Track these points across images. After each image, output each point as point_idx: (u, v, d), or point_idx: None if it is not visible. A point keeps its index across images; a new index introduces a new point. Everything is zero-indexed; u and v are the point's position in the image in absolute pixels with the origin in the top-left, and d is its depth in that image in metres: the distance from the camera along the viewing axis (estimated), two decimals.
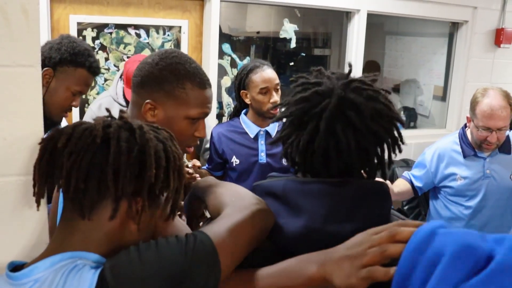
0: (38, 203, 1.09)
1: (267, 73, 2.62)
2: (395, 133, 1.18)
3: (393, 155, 1.19)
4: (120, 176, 0.99)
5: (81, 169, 0.99)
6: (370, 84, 1.18)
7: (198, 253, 1.00)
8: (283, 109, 1.23)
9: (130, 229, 1.05)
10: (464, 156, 2.79)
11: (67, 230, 1.03)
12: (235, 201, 1.15)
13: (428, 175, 2.89)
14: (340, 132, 1.11)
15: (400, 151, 1.20)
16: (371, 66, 5.03)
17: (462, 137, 2.82)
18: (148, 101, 1.46)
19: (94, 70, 2.16)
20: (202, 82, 1.49)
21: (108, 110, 1.16)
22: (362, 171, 1.20)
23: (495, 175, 2.77)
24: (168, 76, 1.46)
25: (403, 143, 1.19)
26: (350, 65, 1.24)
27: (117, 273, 0.94)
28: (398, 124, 1.19)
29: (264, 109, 2.62)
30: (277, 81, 2.63)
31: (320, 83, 1.17)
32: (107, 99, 2.90)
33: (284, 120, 1.23)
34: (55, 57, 2.09)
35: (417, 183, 2.93)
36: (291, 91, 1.23)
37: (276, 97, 2.60)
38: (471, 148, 2.78)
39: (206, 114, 1.52)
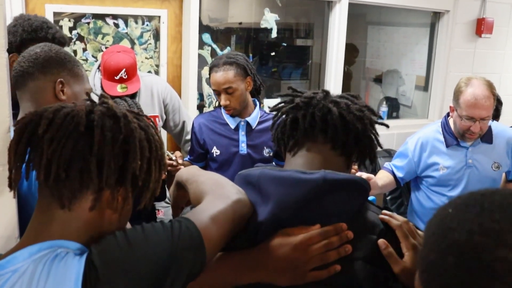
0: (11, 188, 1.05)
1: (215, 76, 2.59)
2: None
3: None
4: (104, 167, 0.98)
5: (63, 157, 0.96)
6: (342, 95, 1.33)
7: (184, 238, 1.01)
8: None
9: (110, 218, 1.04)
10: (447, 146, 2.78)
11: (44, 220, 1.00)
12: (215, 190, 1.17)
13: (410, 164, 2.88)
14: (335, 110, 1.24)
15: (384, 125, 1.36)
16: (350, 49, 5.01)
17: (445, 126, 2.82)
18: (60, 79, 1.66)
19: (59, 40, 2.08)
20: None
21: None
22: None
23: (477, 164, 2.77)
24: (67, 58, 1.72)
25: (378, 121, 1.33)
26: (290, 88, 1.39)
27: (106, 258, 0.93)
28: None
29: (223, 105, 2.64)
30: (226, 85, 2.56)
31: (311, 97, 1.30)
32: None
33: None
34: (15, 40, 2.03)
35: (399, 174, 2.92)
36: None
37: (224, 101, 2.58)
38: (454, 138, 2.77)
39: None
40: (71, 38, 3.23)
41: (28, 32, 2.03)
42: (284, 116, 1.31)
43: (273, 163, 2.74)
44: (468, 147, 2.77)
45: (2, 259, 0.96)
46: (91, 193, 1.00)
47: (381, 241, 1.12)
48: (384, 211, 1.20)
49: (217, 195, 1.15)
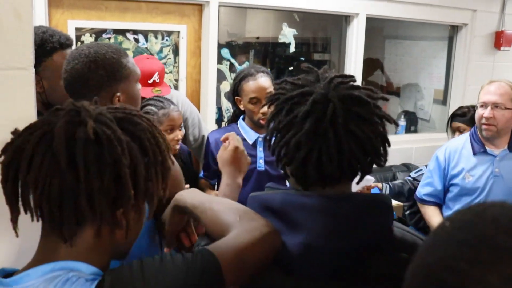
0: (13, 222, 0.98)
1: (257, 83, 2.53)
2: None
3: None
4: (95, 203, 0.92)
5: (52, 198, 0.91)
6: (348, 75, 1.16)
7: (203, 273, 0.97)
8: (285, 131, 1.13)
9: (118, 235, 1.00)
10: (474, 153, 2.77)
11: (54, 238, 0.97)
12: (244, 222, 1.10)
13: (444, 175, 2.87)
14: (357, 130, 1.06)
15: (396, 124, 1.19)
16: (371, 63, 5.01)
17: (473, 134, 2.81)
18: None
19: (67, 44, 2.07)
20: None
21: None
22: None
23: (503, 174, 2.72)
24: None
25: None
26: (309, 67, 1.19)
27: None
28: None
29: (255, 118, 2.56)
30: (270, 90, 2.50)
31: (309, 92, 1.10)
32: None
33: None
34: None
35: (438, 190, 2.90)
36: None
37: (266, 108, 2.43)
38: (481, 145, 2.76)
39: None
40: None
41: (36, 50, 2.03)
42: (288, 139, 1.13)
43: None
44: (495, 156, 2.74)
45: (17, 275, 0.96)
46: (90, 224, 0.96)
47: None
48: None
49: (246, 228, 1.08)
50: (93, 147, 0.91)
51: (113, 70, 1.62)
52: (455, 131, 3.57)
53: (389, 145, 1.14)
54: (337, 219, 1.08)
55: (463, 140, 2.87)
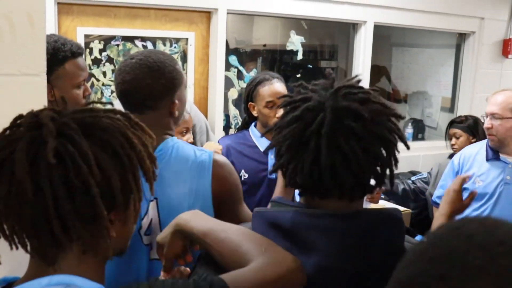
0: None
1: (275, 87, 2.56)
2: (396, 130, 1.11)
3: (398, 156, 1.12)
4: (69, 227, 0.87)
5: (25, 227, 0.87)
6: (359, 86, 1.11)
7: None
8: (276, 134, 1.13)
9: (111, 235, 0.94)
10: (487, 159, 2.77)
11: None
12: (269, 254, 1.02)
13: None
14: (344, 145, 1.02)
15: (407, 147, 1.15)
16: (377, 70, 5.02)
17: (488, 140, 2.82)
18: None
19: (79, 53, 2.08)
20: None
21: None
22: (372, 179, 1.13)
23: None
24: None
25: (404, 139, 1.13)
26: (330, 73, 1.18)
27: None
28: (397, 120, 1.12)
29: (270, 123, 2.54)
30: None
31: (308, 98, 1.09)
32: (119, 105, 2.90)
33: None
34: None
35: None
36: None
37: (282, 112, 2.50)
38: (495, 152, 2.76)
39: None
40: (100, 60, 3.30)
41: (48, 60, 2.02)
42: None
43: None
44: (508, 163, 2.73)
45: (16, 286, 0.93)
46: (72, 245, 0.91)
47: None
48: None
49: (270, 260, 1.01)
50: (57, 170, 0.85)
51: (172, 78, 1.58)
52: (451, 137, 3.72)
53: (391, 169, 1.10)
54: (349, 239, 1.05)
55: (479, 146, 2.88)
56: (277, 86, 2.57)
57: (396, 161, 1.11)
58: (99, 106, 1.03)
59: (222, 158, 1.65)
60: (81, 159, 0.86)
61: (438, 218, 1.98)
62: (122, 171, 0.91)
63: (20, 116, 0.93)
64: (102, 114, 0.94)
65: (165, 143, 1.55)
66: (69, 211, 0.86)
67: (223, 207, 1.57)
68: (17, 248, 0.89)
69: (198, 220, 1.16)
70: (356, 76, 1.17)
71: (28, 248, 0.89)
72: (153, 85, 1.54)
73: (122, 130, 0.94)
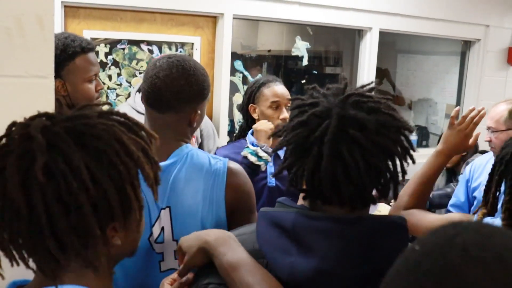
0: None
1: (279, 88, 2.57)
2: (405, 142, 1.09)
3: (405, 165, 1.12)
4: (65, 243, 0.84)
5: (22, 244, 0.85)
6: (369, 95, 1.09)
7: None
8: (282, 137, 1.13)
9: (115, 243, 0.93)
10: None
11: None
12: None
13: (467, 187, 2.88)
14: (346, 154, 1.00)
15: (413, 161, 1.12)
16: (378, 72, 5.02)
17: None
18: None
19: (89, 48, 2.09)
20: None
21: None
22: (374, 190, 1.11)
23: None
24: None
25: (414, 151, 1.11)
26: (345, 78, 1.14)
27: None
28: (407, 132, 1.11)
29: (274, 124, 2.52)
30: (289, 97, 2.56)
31: (317, 103, 1.08)
32: (126, 107, 2.90)
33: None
34: None
35: (460, 208, 2.91)
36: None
37: (286, 114, 2.51)
38: None
39: None
40: (106, 63, 3.30)
41: (59, 54, 2.03)
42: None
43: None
44: None
45: None
46: (70, 263, 0.89)
47: None
48: None
49: None
50: (49, 187, 0.82)
51: (203, 88, 1.56)
52: None
53: (396, 182, 1.08)
54: (350, 244, 1.04)
55: (490, 155, 2.88)
56: (281, 87, 2.58)
57: (404, 172, 1.10)
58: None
59: (237, 166, 1.64)
60: (72, 175, 0.82)
61: (434, 154, 1.96)
62: (119, 181, 0.88)
63: (13, 124, 0.90)
64: (96, 119, 0.90)
65: (180, 150, 1.54)
66: (65, 228, 0.83)
67: (236, 215, 1.56)
68: (17, 264, 0.87)
69: (227, 247, 1.11)
70: (372, 82, 1.15)
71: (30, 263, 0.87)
72: (184, 87, 1.52)
73: (118, 136, 0.89)
